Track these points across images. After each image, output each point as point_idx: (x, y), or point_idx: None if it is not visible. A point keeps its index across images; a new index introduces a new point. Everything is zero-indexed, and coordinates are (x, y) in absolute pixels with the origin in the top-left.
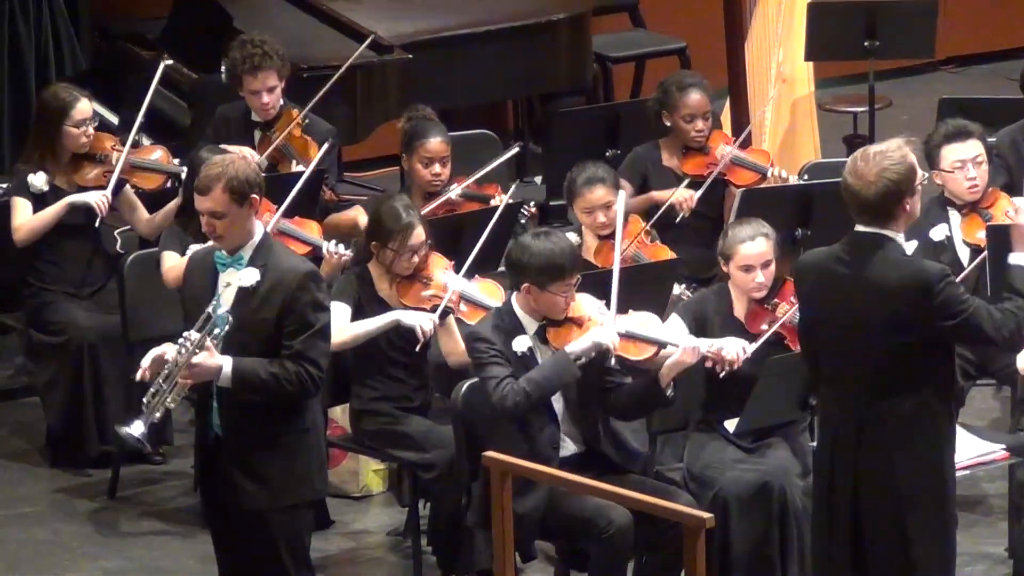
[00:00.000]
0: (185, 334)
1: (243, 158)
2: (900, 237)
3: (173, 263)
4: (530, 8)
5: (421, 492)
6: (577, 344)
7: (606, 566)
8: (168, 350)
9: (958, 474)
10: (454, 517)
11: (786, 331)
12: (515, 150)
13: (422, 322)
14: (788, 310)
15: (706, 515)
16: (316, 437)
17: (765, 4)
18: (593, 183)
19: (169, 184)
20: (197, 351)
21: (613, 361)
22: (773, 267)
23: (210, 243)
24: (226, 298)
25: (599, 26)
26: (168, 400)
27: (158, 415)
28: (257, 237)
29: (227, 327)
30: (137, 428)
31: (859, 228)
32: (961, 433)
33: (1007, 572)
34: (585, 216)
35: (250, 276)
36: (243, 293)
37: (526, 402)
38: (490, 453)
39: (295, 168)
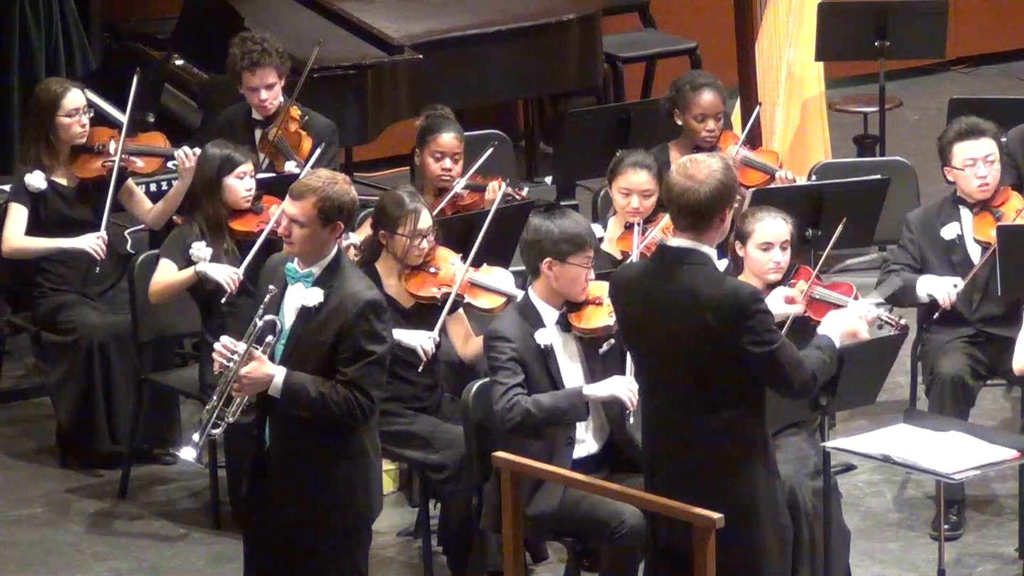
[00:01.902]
0: (228, 340)
1: (347, 180)
2: (713, 253)
3: (163, 276)
4: (540, 8)
5: (432, 492)
6: (596, 390)
7: (617, 566)
8: (228, 342)
9: (969, 475)
10: (465, 517)
11: (807, 306)
12: (491, 149)
13: (422, 342)
14: (805, 287)
15: (716, 515)
16: (365, 464)
17: (776, 4)
18: (639, 167)
19: (168, 166)
20: (246, 361)
21: (631, 419)
22: (789, 252)
23: (285, 251)
24: (288, 314)
25: (609, 26)
26: (228, 414)
27: (217, 431)
28: (329, 258)
29: (282, 335)
30: (187, 453)
31: (671, 243)
32: (971, 434)
33: (1018, 572)
34: (621, 197)
35: (314, 296)
36: (305, 312)
37: (524, 424)
38: (500, 453)
39: (289, 164)
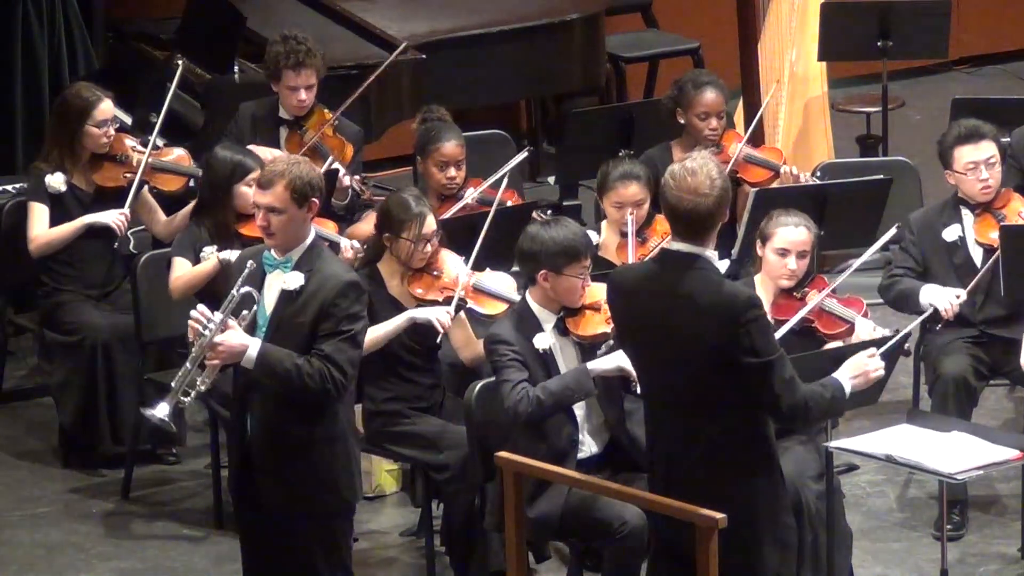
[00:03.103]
0: (205, 310)
1: (308, 161)
2: (714, 255)
3: (182, 272)
4: (543, 8)
5: (434, 492)
6: (601, 363)
7: (620, 566)
8: (204, 311)
9: (972, 475)
10: (467, 517)
11: (815, 315)
12: (525, 154)
13: (438, 315)
14: (817, 297)
15: (719, 515)
16: (346, 447)
17: (778, 4)
18: (628, 179)
19: (190, 185)
20: (221, 330)
21: (637, 388)
22: (807, 261)
23: (254, 245)
24: (269, 300)
25: (612, 26)
26: (199, 382)
27: (187, 399)
28: (307, 242)
29: (255, 308)
30: (161, 410)
31: (672, 246)
32: (974, 434)
33: (1020, 572)
34: (614, 211)
35: (294, 280)
36: (286, 296)
37: (539, 411)
38: (503, 453)
39: (327, 166)
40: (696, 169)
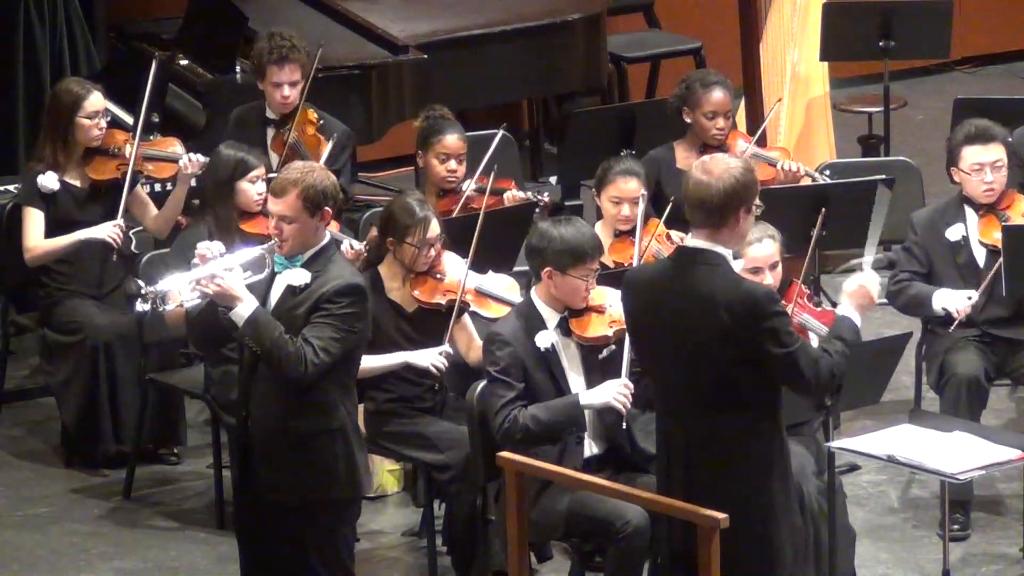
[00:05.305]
0: (220, 246)
1: (323, 168)
2: (729, 254)
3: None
4: (545, 8)
5: (436, 492)
6: (592, 397)
7: (622, 566)
8: (220, 247)
9: (974, 475)
10: (469, 517)
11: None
12: (500, 134)
13: (432, 360)
14: (798, 311)
15: (720, 515)
16: (345, 439)
17: (780, 4)
18: (628, 175)
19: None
20: (226, 270)
21: (624, 425)
22: (780, 269)
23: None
24: (274, 296)
25: (614, 26)
26: (180, 294)
27: (166, 308)
28: (320, 245)
29: (265, 273)
30: (163, 284)
31: (688, 243)
32: (976, 434)
33: (1022, 572)
34: (611, 206)
35: (300, 276)
36: (289, 291)
37: (525, 439)
38: (504, 453)
39: None
40: (720, 157)
